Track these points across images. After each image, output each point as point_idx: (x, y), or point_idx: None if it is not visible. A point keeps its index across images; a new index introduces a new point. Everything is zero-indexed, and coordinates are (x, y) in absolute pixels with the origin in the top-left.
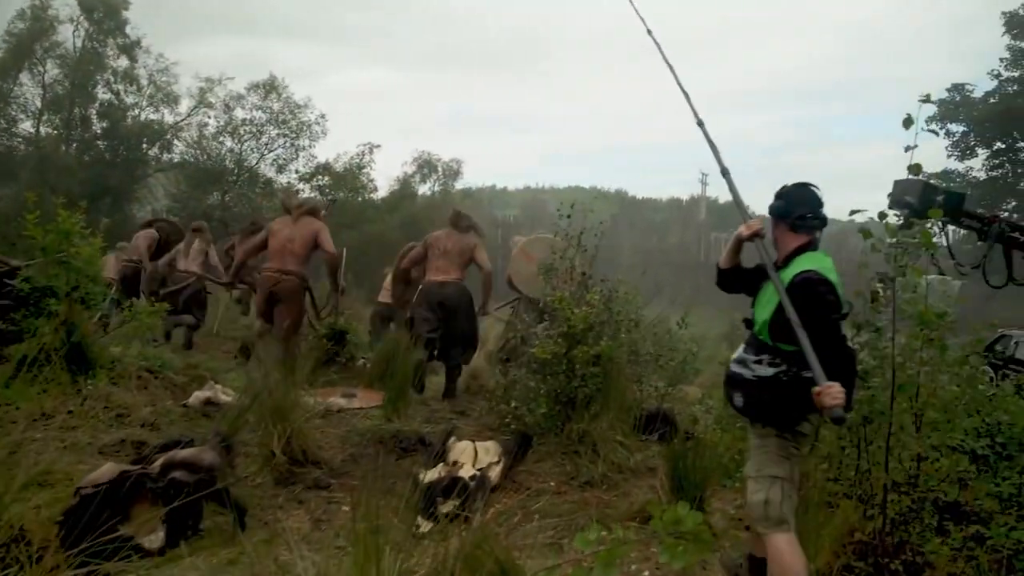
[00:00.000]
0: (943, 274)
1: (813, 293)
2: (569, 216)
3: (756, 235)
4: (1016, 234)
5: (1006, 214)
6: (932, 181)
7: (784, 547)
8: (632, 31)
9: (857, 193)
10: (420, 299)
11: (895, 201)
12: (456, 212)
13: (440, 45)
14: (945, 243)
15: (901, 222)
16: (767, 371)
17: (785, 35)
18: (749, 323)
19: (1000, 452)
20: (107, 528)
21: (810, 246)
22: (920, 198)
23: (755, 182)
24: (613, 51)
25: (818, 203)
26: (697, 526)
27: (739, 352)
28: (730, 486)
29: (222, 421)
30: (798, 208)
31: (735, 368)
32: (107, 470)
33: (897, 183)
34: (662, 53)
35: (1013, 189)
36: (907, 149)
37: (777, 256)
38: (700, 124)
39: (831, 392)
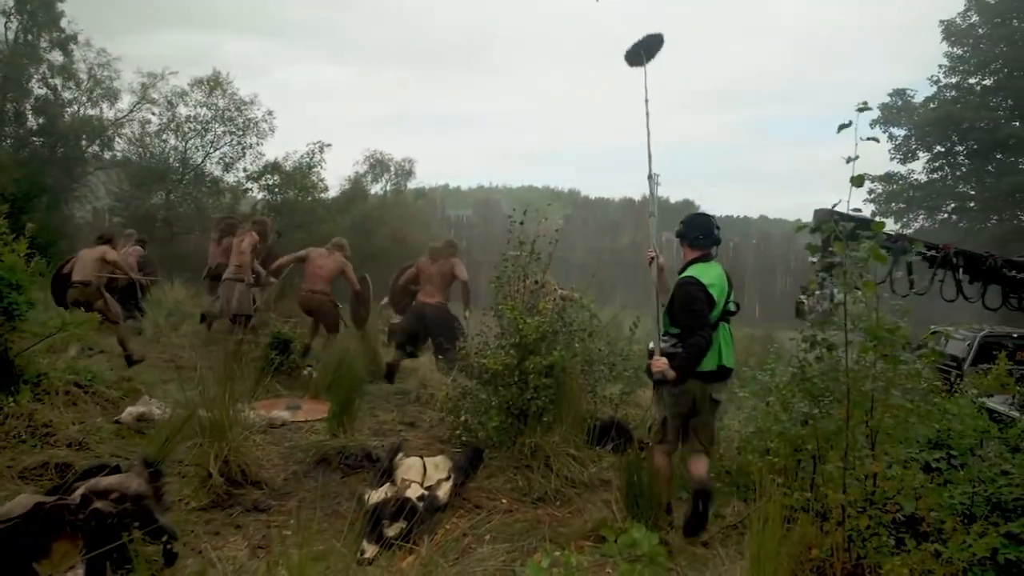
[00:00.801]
0: (857, 288)
1: (685, 291)
2: (522, 223)
3: (653, 259)
4: (924, 250)
5: (941, 215)
6: (874, 184)
7: (659, 457)
8: (586, 32)
9: (810, 194)
10: (409, 313)
11: (816, 228)
12: (434, 248)
13: (388, 41)
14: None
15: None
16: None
17: (734, 38)
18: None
19: (952, 463)
20: (22, 566)
21: (702, 259)
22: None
23: (707, 184)
24: (564, 50)
25: (709, 228)
26: (653, 548)
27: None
28: (686, 498)
29: (151, 442)
30: (693, 231)
31: (651, 345)
32: (21, 501)
33: (816, 212)
34: (647, 122)
35: (952, 191)
36: (848, 160)
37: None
38: (650, 178)
39: (656, 364)
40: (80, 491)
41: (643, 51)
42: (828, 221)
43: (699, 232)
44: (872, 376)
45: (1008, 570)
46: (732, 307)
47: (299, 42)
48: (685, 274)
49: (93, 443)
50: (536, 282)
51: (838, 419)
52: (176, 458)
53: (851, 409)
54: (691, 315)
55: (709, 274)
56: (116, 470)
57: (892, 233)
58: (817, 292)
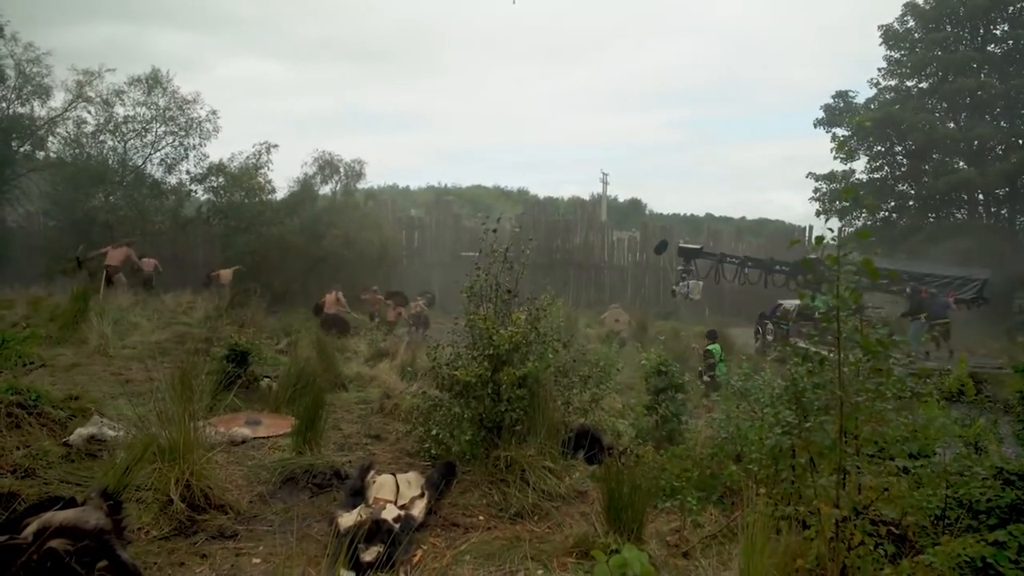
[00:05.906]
0: (700, 280)
1: (705, 355)
2: (495, 230)
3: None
4: (728, 259)
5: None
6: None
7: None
8: (524, 31)
9: (744, 192)
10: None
11: (680, 252)
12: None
13: (331, 37)
14: (696, 267)
15: (682, 266)
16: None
17: (670, 37)
18: None
19: (929, 464)
20: None
21: (712, 341)
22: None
23: (648, 181)
24: (505, 48)
25: (715, 334)
26: (645, 568)
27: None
28: (662, 507)
29: (109, 470)
30: (711, 336)
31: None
32: None
33: (680, 247)
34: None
35: (893, 190)
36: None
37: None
38: None
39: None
40: (32, 528)
41: (661, 247)
42: (688, 252)
43: (713, 336)
44: (859, 388)
45: (985, 572)
46: (724, 357)
47: (235, 36)
48: (707, 348)
49: (40, 469)
50: (508, 291)
51: (830, 432)
52: (134, 482)
53: (844, 422)
54: (706, 362)
55: (714, 348)
56: (71, 503)
57: (715, 252)
58: (680, 284)
